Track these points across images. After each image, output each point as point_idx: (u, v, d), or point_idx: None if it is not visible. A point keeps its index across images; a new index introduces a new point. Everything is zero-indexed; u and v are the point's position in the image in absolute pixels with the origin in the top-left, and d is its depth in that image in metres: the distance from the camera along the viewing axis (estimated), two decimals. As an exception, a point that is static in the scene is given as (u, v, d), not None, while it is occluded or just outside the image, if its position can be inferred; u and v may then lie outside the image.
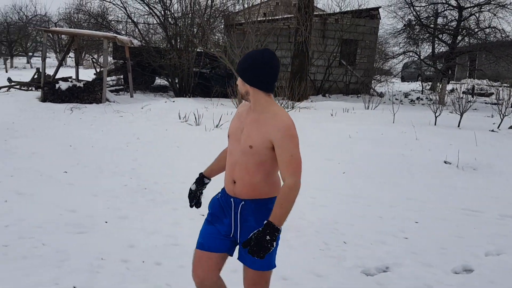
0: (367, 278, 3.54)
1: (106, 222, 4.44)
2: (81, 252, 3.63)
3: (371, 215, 5.27)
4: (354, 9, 19.10)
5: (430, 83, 22.18)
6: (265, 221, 2.11)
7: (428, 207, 5.50)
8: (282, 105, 11.29)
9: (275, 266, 2.34)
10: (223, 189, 2.45)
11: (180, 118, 9.39)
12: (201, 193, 2.63)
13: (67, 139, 7.72)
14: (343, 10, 19.30)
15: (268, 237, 2.06)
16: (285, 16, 17.44)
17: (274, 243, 2.08)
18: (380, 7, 19.17)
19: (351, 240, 4.38)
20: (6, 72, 26.31)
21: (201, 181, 2.60)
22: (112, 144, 7.57)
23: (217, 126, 8.65)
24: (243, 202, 2.31)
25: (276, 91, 14.75)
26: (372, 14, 18.86)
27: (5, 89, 13.02)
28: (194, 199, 2.61)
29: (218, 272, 2.40)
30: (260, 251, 2.06)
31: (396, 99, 16.56)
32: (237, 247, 2.41)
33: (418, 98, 18.06)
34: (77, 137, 7.92)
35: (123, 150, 7.27)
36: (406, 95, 19.12)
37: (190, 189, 2.62)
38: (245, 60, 2.28)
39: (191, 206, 2.64)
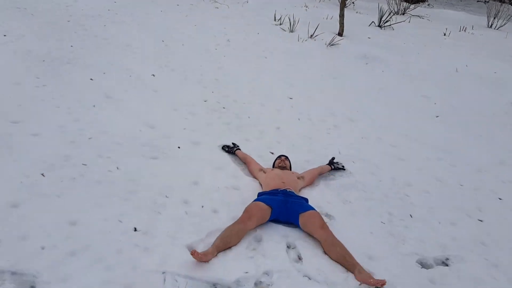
0: (421, 271, 3.37)
1: (179, 147, 4.59)
2: (149, 185, 3.83)
3: (452, 181, 4.88)
4: None
5: None
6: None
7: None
8: (393, 8, 10.11)
9: None
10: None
11: (275, 20, 8.89)
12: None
13: (161, 32, 7.75)
14: None
15: None
16: None
17: None
18: None
19: (419, 215, 4.13)
20: None
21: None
22: (202, 44, 7.49)
23: (311, 36, 8.10)
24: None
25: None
26: None
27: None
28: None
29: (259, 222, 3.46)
30: None
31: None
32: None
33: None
34: (171, 30, 7.91)
35: (211, 54, 7.20)
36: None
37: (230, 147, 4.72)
38: None
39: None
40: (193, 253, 2.92)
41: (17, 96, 4.99)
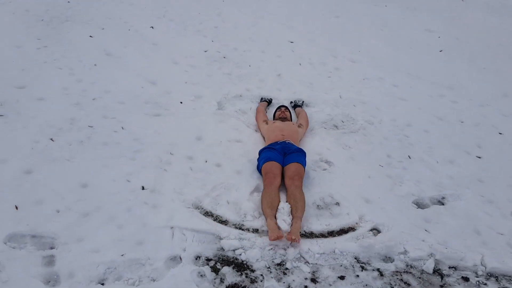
0: (416, 211, 3.53)
1: (181, 102, 4.68)
2: (154, 143, 3.97)
3: (452, 118, 4.94)
4: None
5: None
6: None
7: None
8: None
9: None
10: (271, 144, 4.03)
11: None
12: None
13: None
14: None
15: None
16: None
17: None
18: None
19: (417, 155, 4.24)
20: None
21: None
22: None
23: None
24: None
25: None
26: None
27: None
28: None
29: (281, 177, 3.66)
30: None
31: None
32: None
33: None
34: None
35: None
36: None
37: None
38: None
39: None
40: (276, 239, 3.05)
41: (19, 60, 5.06)
